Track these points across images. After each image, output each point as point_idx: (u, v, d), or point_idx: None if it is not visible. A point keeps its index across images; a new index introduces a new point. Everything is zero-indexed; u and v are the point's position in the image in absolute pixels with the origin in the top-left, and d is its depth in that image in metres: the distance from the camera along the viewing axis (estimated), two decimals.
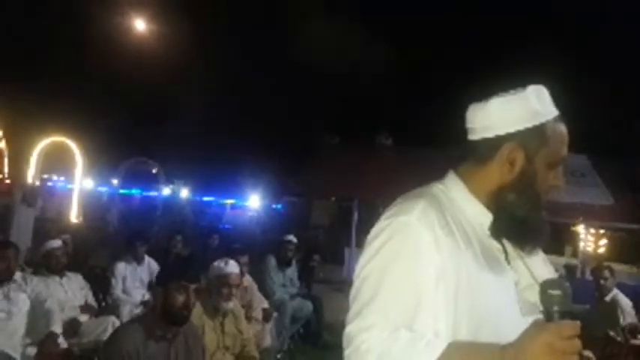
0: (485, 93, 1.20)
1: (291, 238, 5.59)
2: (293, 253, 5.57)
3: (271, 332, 4.57)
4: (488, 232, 1.16)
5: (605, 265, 4.98)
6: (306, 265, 5.73)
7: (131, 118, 14.95)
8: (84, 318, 3.89)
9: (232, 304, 3.37)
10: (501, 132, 1.14)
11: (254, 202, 16.87)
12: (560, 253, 9.69)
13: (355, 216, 10.69)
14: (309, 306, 5.45)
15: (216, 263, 3.42)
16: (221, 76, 13.78)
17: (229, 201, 18.43)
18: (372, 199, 10.59)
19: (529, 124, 1.13)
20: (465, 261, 1.09)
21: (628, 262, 9.78)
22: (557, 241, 9.71)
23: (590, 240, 9.99)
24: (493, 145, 1.15)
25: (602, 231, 10.31)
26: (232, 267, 3.40)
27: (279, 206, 14.47)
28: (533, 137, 1.13)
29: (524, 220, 1.14)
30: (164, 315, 2.42)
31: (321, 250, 8.14)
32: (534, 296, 1.07)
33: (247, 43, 14.50)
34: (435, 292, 1.06)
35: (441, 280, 1.06)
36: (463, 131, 1.23)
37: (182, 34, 13.33)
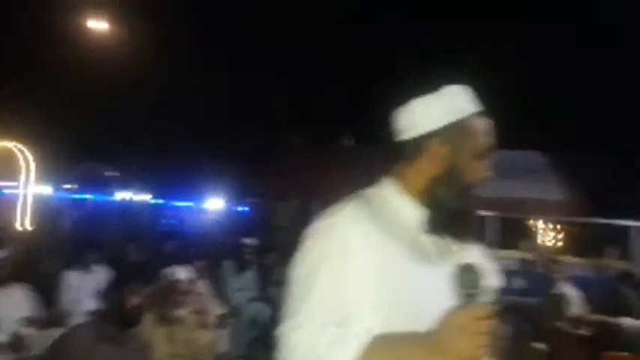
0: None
1: (249, 241, 5.53)
2: (252, 256, 5.51)
3: (228, 338, 4.52)
4: (423, 229, 1.20)
5: (554, 258, 5.13)
6: (262, 266, 5.67)
7: (86, 121, 14.51)
8: (30, 331, 3.75)
9: (183, 312, 3.31)
10: (426, 129, 1.21)
11: (216, 204, 16.63)
12: (516, 247, 9.92)
13: (315, 217, 10.68)
14: (267, 310, 5.40)
15: (165, 270, 3.36)
16: (181, 76, 13.54)
17: (190, 204, 18.13)
18: (334, 199, 10.62)
19: (451, 120, 1.20)
20: (397, 258, 1.12)
21: (581, 255, 10.09)
22: (513, 235, 9.94)
23: (545, 234, 10.30)
24: (420, 143, 1.21)
25: (557, 225, 10.62)
26: (182, 273, 3.34)
27: (243, 208, 14.33)
28: (456, 132, 1.20)
29: (456, 211, 1.19)
30: (116, 317, 2.41)
31: (282, 252, 8.10)
32: None
33: (210, 42, 14.27)
34: (366, 289, 1.09)
35: (372, 278, 1.09)
36: (391, 134, 1.29)
37: (141, 34, 13.04)
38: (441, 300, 1.07)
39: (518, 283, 6.62)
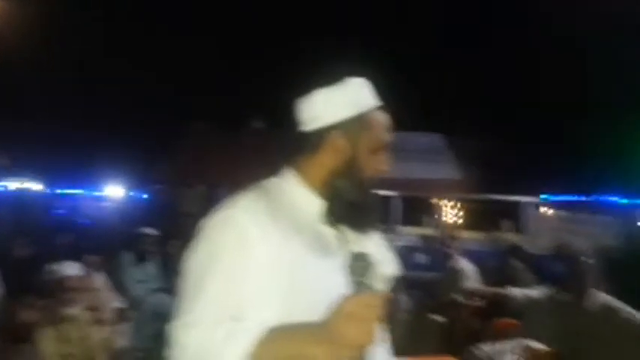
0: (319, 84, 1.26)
1: (150, 230, 5.29)
2: (153, 246, 5.28)
3: (129, 332, 4.32)
4: (322, 221, 1.20)
5: (452, 234, 5.38)
6: (165, 255, 5.46)
7: None
8: None
9: (75, 309, 3.08)
10: (326, 122, 1.21)
11: (116, 191, 15.75)
12: (419, 224, 10.38)
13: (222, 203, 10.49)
14: (171, 301, 5.22)
15: (52, 266, 3.10)
16: (78, 58, 12.59)
17: (87, 192, 17.01)
18: (243, 185, 10.45)
19: (351, 113, 1.21)
20: (295, 252, 1.12)
21: (479, 230, 10.74)
22: (416, 214, 10.39)
23: (445, 211, 10.85)
24: (320, 135, 1.22)
25: (456, 203, 11.21)
26: (71, 269, 3.10)
27: (144, 195, 13.70)
28: (355, 125, 1.21)
29: (354, 203, 1.20)
30: (4, 331, 2.15)
31: (188, 240, 7.85)
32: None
33: (110, 23, 13.36)
34: (263, 283, 1.08)
35: (269, 272, 1.09)
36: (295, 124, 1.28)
37: (34, 14, 11.92)
38: (339, 292, 1.06)
39: (421, 258, 6.91)
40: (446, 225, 10.58)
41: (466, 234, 9.40)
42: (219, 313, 1.06)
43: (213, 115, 13.20)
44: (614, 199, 10.59)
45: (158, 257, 5.46)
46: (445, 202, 10.86)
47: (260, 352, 1.02)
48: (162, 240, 5.63)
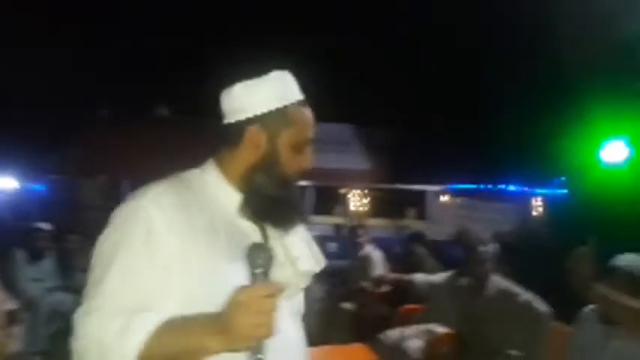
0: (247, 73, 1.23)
1: (45, 225, 4.93)
2: (48, 242, 4.93)
3: (22, 335, 4.03)
4: (240, 215, 1.19)
5: (361, 223, 5.52)
6: (63, 250, 5.12)
7: None
8: None
9: None
10: (247, 115, 1.19)
11: (7, 183, 14.51)
12: (331, 213, 10.58)
13: (126, 195, 10.02)
14: (70, 299, 4.91)
15: None
16: None
17: None
18: (148, 177, 10.03)
19: (271, 107, 1.18)
20: (203, 247, 1.10)
21: (384, 217, 11.11)
22: (327, 203, 10.56)
23: (355, 200, 11.12)
24: (240, 128, 1.20)
25: (365, 192, 11.51)
26: None
27: (39, 187, 12.74)
28: (276, 119, 1.19)
29: (272, 199, 1.18)
30: None
31: (89, 234, 7.42)
32: (283, 275, 1.16)
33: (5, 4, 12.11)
34: (165, 277, 1.07)
35: (174, 265, 1.07)
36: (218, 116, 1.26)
37: None
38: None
39: (332, 247, 7.05)
40: (355, 214, 10.85)
41: (373, 222, 9.71)
42: (119, 303, 1.05)
43: (116, 102, 12.51)
44: (511, 187, 11.41)
45: (55, 254, 5.11)
46: (354, 191, 11.13)
47: (154, 345, 1.00)
48: (59, 235, 5.27)
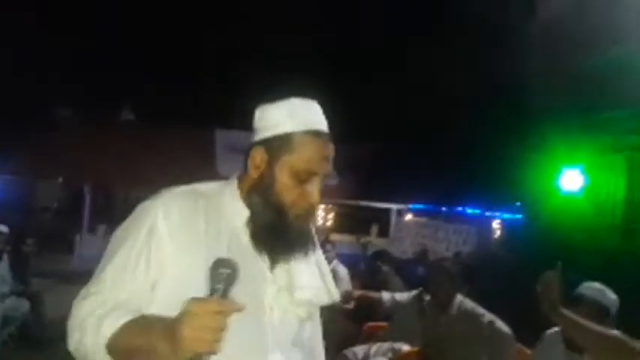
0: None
1: (1, 227, 4.74)
2: (3, 244, 4.73)
3: None
4: (247, 232, 1.19)
5: (326, 238, 5.53)
6: (18, 253, 4.93)
7: None
8: None
9: None
10: (260, 137, 1.20)
11: None
12: None
13: (88, 199, 9.74)
14: (24, 305, 4.72)
15: None
16: None
17: None
18: (110, 181, 9.81)
19: (278, 132, 1.18)
20: (201, 256, 1.10)
21: (349, 233, 11.17)
22: None
23: (320, 215, 11.15)
24: (252, 147, 1.21)
25: (329, 207, 11.57)
26: None
27: None
28: (278, 144, 1.17)
29: (265, 224, 1.17)
30: None
31: (46, 236, 7.17)
32: (280, 301, 1.18)
33: None
34: (159, 278, 1.10)
35: (167, 268, 1.11)
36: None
37: None
38: (248, 309, 1.07)
39: None
40: (319, 229, 10.87)
41: (337, 237, 9.74)
42: (111, 295, 1.10)
43: (78, 103, 12.19)
44: (472, 210, 11.69)
45: (9, 257, 4.91)
46: (320, 206, 11.14)
47: (119, 338, 1.04)
48: (14, 238, 5.07)
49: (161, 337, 0.98)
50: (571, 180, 7.41)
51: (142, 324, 1.05)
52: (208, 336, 0.94)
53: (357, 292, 4.06)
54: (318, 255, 1.31)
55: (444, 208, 11.72)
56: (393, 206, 11.14)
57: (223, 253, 1.10)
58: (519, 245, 9.14)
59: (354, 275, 5.29)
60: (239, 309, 0.98)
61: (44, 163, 9.97)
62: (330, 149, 1.21)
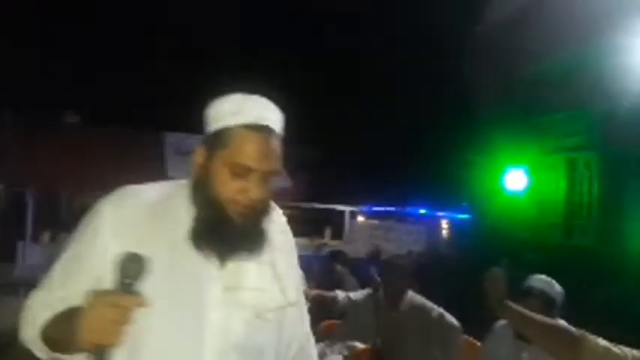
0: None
1: None
2: None
3: None
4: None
5: None
6: None
7: None
8: None
9: None
10: (205, 134, 1.20)
11: None
12: None
13: (31, 205, 9.34)
14: None
15: None
16: None
17: None
18: (53, 186, 9.44)
19: (218, 127, 1.16)
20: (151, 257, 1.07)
21: (303, 236, 11.20)
22: None
23: None
24: (198, 146, 1.21)
25: (282, 209, 11.57)
26: None
27: None
28: (217, 139, 1.15)
29: (206, 222, 1.14)
30: None
31: None
32: (226, 300, 1.14)
33: None
34: (103, 276, 1.09)
35: (108, 268, 1.08)
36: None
37: None
38: (186, 307, 1.10)
39: None
40: None
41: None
42: (56, 292, 1.14)
43: (18, 105, 11.68)
44: (421, 211, 11.97)
45: None
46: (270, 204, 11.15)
47: (48, 330, 1.10)
48: None
49: (72, 327, 0.99)
50: (515, 180, 7.69)
51: (67, 315, 1.06)
52: (106, 328, 0.95)
53: (313, 292, 4.09)
54: (276, 256, 1.24)
55: (394, 209, 11.95)
56: (346, 208, 11.26)
57: (165, 252, 1.11)
58: (467, 243, 9.44)
59: (308, 276, 5.31)
60: (141, 304, 0.98)
61: None
62: (273, 145, 1.15)
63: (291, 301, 1.25)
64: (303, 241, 10.21)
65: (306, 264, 6.01)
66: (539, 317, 1.60)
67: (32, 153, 9.28)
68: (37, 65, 12.69)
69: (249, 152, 1.12)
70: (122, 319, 0.96)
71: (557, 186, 7.65)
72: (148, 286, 1.04)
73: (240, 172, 1.12)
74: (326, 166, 11.85)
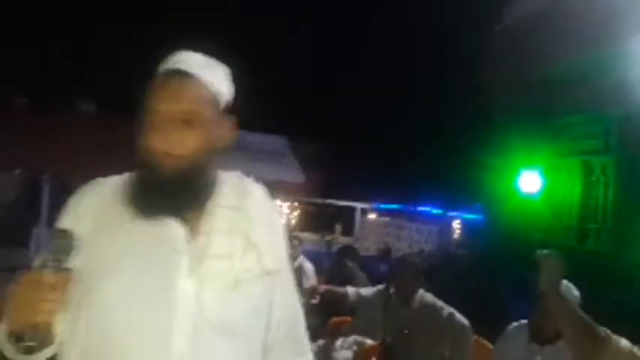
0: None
1: None
2: None
3: None
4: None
5: (293, 235, 5.56)
6: None
7: None
8: None
9: None
10: None
11: None
12: None
13: (46, 192, 9.46)
14: None
15: None
16: None
17: None
18: (68, 173, 9.51)
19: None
20: (105, 251, 1.06)
21: (313, 231, 11.22)
22: None
23: (285, 213, 11.15)
24: None
25: (294, 204, 11.58)
26: None
27: None
28: (147, 94, 1.09)
29: (133, 180, 1.09)
30: None
31: (1, 230, 6.93)
32: (192, 272, 1.05)
33: None
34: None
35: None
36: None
37: None
38: (152, 286, 1.03)
39: None
40: (286, 226, 10.87)
41: (302, 235, 9.78)
42: None
43: (35, 92, 11.79)
44: (434, 210, 11.93)
45: None
46: (285, 203, 11.17)
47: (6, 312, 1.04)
48: None
49: (7, 306, 0.97)
50: (530, 182, 7.62)
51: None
52: (34, 307, 0.93)
53: (323, 287, 4.11)
54: (252, 227, 1.13)
55: (406, 208, 11.92)
56: (358, 205, 11.24)
57: (128, 229, 1.06)
58: (479, 244, 9.39)
59: (319, 271, 5.33)
60: (68, 280, 0.95)
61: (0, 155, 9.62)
62: (186, 86, 1.06)
63: (268, 270, 1.12)
64: (314, 236, 10.22)
65: (317, 259, 6.06)
66: (580, 312, 1.58)
67: (48, 139, 9.40)
68: (56, 53, 12.80)
69: (157, 95, 1.06)
70: (51, 296, 0.93)
71: (572, 189, 7.57)
72: (113, 263, 1.03)
73: (154, 118, 1.05)
74: (338, 163, 11.83)
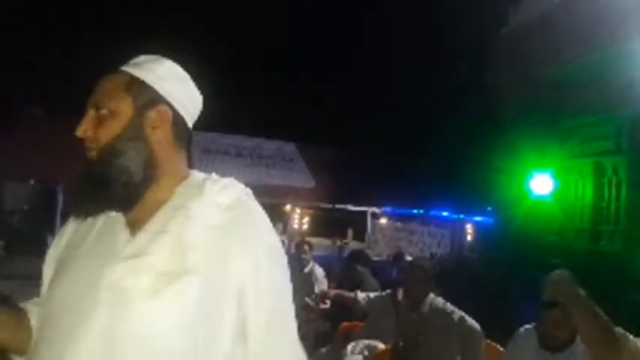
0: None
1: None
2: None
3: None
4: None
5: (304, 240, 5.56)
6: None
7: None
8: None
9: None
10: None
11: None
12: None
13: (60, 200, 9.57)
14: None
15: None
16: None
17: None
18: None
19: None
20: (71, 250, 1.08)
21: (324, 236, 11.22)
22: (271, 220, 10.55)
23: (296, 218, 11.18)
24: None
25: (305, 210, 11.61)
26: None
27: None
28: None
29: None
30: None
31: (16, 239, 7.02)
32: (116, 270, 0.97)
33: None
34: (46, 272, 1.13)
35: (50, 265, 1.12)
36: None
37: None
38: (81, 297, 0.97)
39: None
40: (294, 231, 10.88)
41: (314, 240, 9.80)
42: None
43: (46, 100, 11.95)
44: (445, 213, 11.87)
45: None
46: (295, 208, 11.20)
47: None
48: None
49: None
50: (541, 184, 7.57)
51: None
52: None
53: (333, 292, 4.11)
54: (188, 226, 1.00)
55: (418, 212, 11.88)
56: (369, 210, 11.24)
57: (93, 237, 1.07)
58: (491, 248, 9.33)
59: (330, 276, 5.34)
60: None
61: (11, 165, 9.74)
62: (105, 80, 1.07)
63: (188, 269, 0.95)
64: (326, 241, 10.24)
65: (328, 264, 6.06)
66: (597, 311, 1.57)
67: (62, 149, 9.51)
68: (70, 62, 12.95)
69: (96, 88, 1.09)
70: None
71: (584, 191, 7.50)
72: (67, 262, 1.05)
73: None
74: (351, 168, 11.84)
